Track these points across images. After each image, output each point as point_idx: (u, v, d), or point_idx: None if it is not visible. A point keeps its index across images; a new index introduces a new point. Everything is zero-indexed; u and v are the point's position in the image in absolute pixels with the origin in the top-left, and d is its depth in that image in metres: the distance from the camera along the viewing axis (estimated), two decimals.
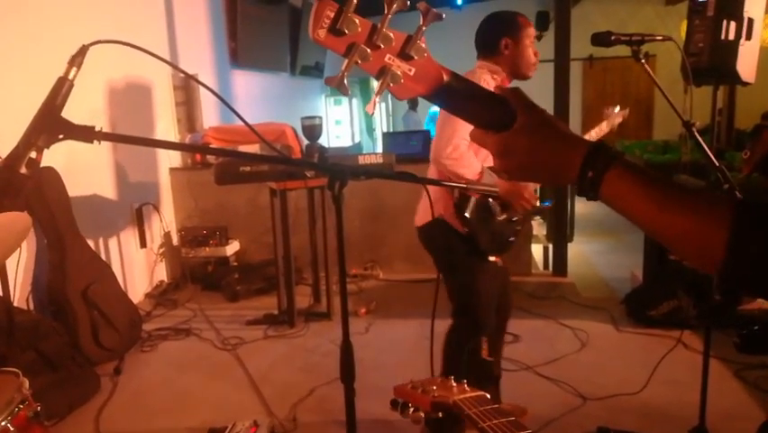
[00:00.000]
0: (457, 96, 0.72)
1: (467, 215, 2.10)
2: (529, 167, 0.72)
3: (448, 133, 2.02)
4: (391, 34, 0.67)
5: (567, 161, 0.70)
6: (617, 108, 2.53)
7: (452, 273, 2.24)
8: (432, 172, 2.21)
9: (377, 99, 0.71)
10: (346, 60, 0.67)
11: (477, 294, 2.21)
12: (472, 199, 2.09)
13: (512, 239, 2.24)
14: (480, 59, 2.24)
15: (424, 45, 0.68)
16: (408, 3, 0.67)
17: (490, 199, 2.12)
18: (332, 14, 0.65)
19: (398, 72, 0.68)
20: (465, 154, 2.02)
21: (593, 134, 2.43)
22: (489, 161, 2.08)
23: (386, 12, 0.66)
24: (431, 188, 2.17)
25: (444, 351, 2.29)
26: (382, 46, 0.67)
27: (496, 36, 2.19)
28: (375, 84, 0.70)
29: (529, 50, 2.21)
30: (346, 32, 0.66)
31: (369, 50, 0.66)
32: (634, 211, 0.67)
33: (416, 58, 0.68)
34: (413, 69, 0.68)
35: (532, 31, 2.22)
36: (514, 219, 2.21)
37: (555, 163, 0.71)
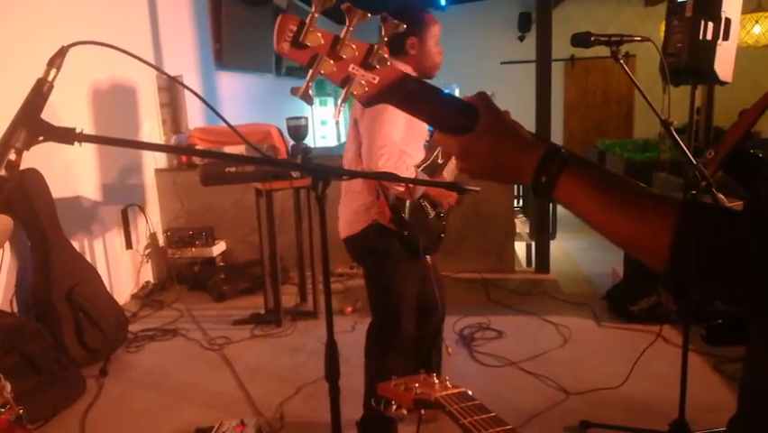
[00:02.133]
0: (421, 101, 0.74)
1: (405, 217, 2.07)
2: (488, 169, 0.75)
3: (378, 143, 1.95)
4: (353, 45, 0.69)
5: (523, 165, 0.73)
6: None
7: (384, 279, 2.20)
8: (360, 182, 2.14)
9: (341, 108, 0.74)
10: (310, 72, 0.69)
11: (405, 300, 2.18)
12: (407, 202, 2.09)
13: (442, 235, 2.25)
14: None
15: (386, 54, 0.71)
16: (369, 15, 0.69)
17: (422, 200, 2.13)
18: (294, 28, 0.68)
19: (362, 81, 0.71)
20: (398, 162, 1.98)
21: None
22: (416, 160, 2.10)
23: (347, 24, 0.69)
24: (361, 195, 2.12)
25: (367, 353, 2.30)
26: (345, 57, 0.69)
27: (402, 34, 2.03)
28: None
29: (434, 50, 2.14)
30: (309, 44, 0.68)
31: (332, 62, 0.69)
32: (585, 214, 0.70)
33: (378, 67, 0.71)
34: (377, 78, 0.71)
35: (437, 29, 2.15)
36: (441, 215, 2.23)
37: (512, 167, 0.74)
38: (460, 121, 0.74)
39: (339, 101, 0.73)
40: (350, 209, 2.19)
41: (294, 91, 0.72)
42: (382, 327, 2.27)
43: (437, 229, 2.22)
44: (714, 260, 0.61)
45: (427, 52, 2.13)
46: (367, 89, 0.71)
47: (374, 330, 2.31)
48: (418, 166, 2.13)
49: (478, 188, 2.05)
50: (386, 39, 0.71)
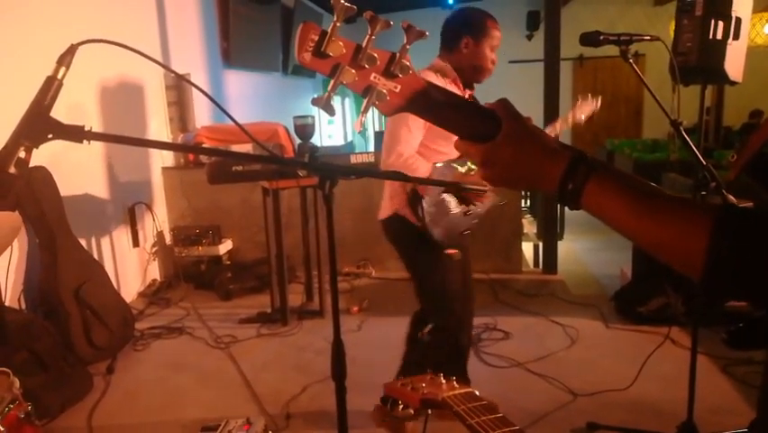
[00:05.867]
0: (443, 110, 0.73)
1: (420, 211, 2.14)
2: (511, 177, 0.74)
3: (389, 144, 2.09)
4: (375, 54, 0.68)
5: (548, 172, 0.72)
6: (590, 98, 2.54)
7: (414, 267, 2.32)
8: (388, 183, 2.28)
9: (363, 118, 0.73)
10: (332, 81, 0.68)
11: (438, 287, 2.28)
12: (426, 196, 2.14)
13: (466, 232, 2.29)
14: (439, 54, 2.24)
15: (408, 63, 0.70)
16: (392, 23, 0.68)
17: (443, 194, 2.18)
18: (316, 37, 0.67)
19: (384, 90, 0.70)
20: (409, 160, 2.06)
21: (558, 125, 2.47)
22: (443, 158, 2.15)
23: (369, 33, 0.68)
24: (389, 184, 2.24)
25: (413, 340, 2.41)
26: (367, 66, 0.68)
27: (458, 32, 2.17)
28: None
29: (488, 57, 2.18)
30: (330, 54, 0.67)
31: (353, 71, 0.68)
32: (615, 222, 0.69)
33: (400, 75, 0.69)
34: (398, 87, 0.70)
35: (497, 37, 2.19)
36: (469, 213, 2.25)
37: (536, 175, 0.73)
38: (481, 128, 0.73)
39: (361, 111, 0.72)
40: (384, 195, 2.32)
41: (315, 102, 0.71)
42: (423, 312, 2.39)
43: (460, 225, 2.25)
44: (751, 266, 0.60)
45: (480, 55, 2.17)
46: (389, 98, 0.70)
47: (416, 314, 2.44)
48: (437, 163, 2.17)
49: (485, 189, 2.04)
50: (408, 47, 0.70)
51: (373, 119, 10.49)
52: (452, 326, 2.33)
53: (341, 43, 0.67)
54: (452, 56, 2.19)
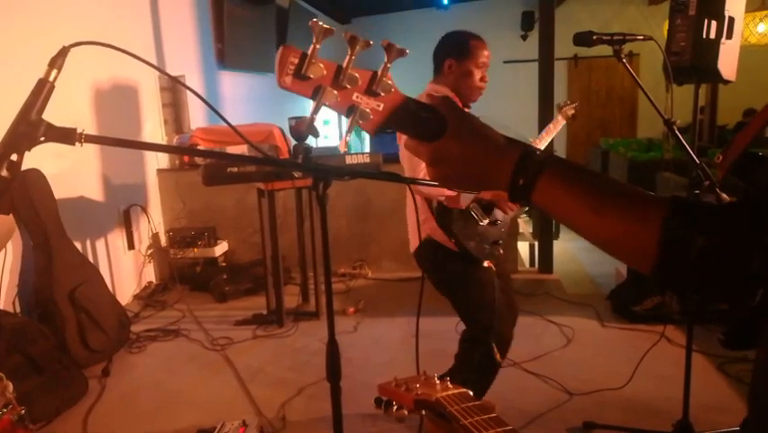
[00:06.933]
0: (423, 122, 0.73)
1: (451, 226, 2.11)
2: (462, 174, 0.73)
3: (415, 161, 2.06)
4: (357, 74, 0.68)
5: (498, 167, 0.70)
6: (567, 102, 2.55)
7: (452, 291, 2.24)
8: (411, 201, 2.21)
9: (348, 138, 0.73)
10: (314, 104, 0.68)
11: (481, 305, 2.20)
12: (453, 210, 2.11)
13: (500, 241, 2.26)
14: (432, 80, 2.25)
15: (390, 81, 0.70)
16: (371, 42, 0.68)
17: (470, 208, 2.15)
18: (296, 60, 0.67)
19: (367, 109, 0.70)
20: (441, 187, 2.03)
21: (551, 128, 2.44)
22: None
23: (349, 53, 0.68)
24: (412, 211, 2.20)
25: (459, 358, 2.28)
26: (348, 86, 0.68)
27: (442, 56, 2.19)
28: None
29: (474, 75, 2.18)
30: (311, 76, 0.67)
31: (335, 92, 0.68)
32: (568, 215, 0.68)
33: (382, 94, 0.69)
34: (381, 105, 0.70)
35: (483, 55, 2.18)
36: (497, 222, 2.22)
37: (486, 171, 0.71)
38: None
39: (345, 132, 0.72)
40: (410, 224, 2.28)
41: (299, 124, 0.71)
42: (468, 333, 2.27)
43: (492, 236, 2.22)
44: (702, 255, 0.61)
45: (465, 74, 2.17)
46: (372, 117, 0.70)
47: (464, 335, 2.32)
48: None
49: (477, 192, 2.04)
50: (389, 65, 0.69)
51: None
52: (491, 342, 2.24)
53: (321, 65, 0.67)
54: (440, 79, 2.20)
